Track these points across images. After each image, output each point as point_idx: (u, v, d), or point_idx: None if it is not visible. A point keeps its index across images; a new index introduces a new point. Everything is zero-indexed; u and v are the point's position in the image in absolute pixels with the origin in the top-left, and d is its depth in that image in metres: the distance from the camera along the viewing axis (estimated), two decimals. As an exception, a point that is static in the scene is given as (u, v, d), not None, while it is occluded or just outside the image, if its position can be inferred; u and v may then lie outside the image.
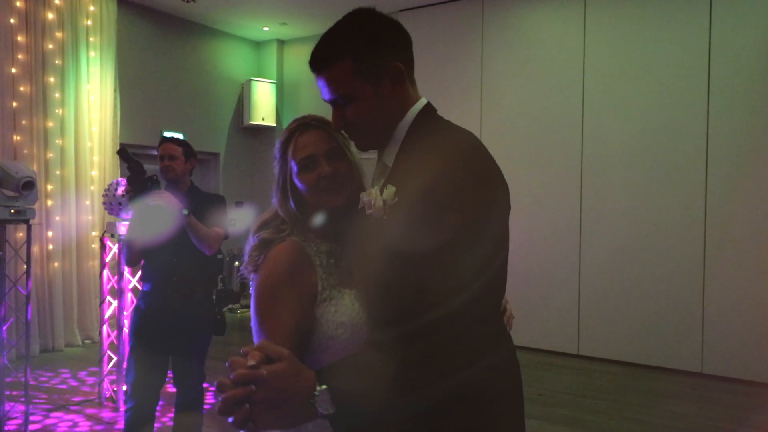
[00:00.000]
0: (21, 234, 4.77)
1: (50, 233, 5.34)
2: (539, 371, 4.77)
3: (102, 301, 4.18)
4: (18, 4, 5.13)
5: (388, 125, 1.13)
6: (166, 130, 6.39)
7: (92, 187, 5.68)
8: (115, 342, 3.97)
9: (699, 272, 4.70)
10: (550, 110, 5.37)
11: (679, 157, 4.80)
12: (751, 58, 4.54)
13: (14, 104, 5.13)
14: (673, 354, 4.77)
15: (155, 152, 2.87)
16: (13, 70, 5.12)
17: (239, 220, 6.14)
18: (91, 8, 5.69)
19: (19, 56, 5.16)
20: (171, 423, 3.00)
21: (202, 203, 2.72)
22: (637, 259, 4.95)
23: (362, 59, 1.08)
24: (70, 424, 3.60)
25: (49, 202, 5.33)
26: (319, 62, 1.12)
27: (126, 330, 3.67)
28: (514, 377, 1.11)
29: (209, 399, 4.00)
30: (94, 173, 5.72)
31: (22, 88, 5.17)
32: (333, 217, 1.22)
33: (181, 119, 6.69)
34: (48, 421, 3.63)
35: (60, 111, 5.43)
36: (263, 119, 7.28)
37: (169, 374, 2.78)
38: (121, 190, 3.87)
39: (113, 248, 4.19)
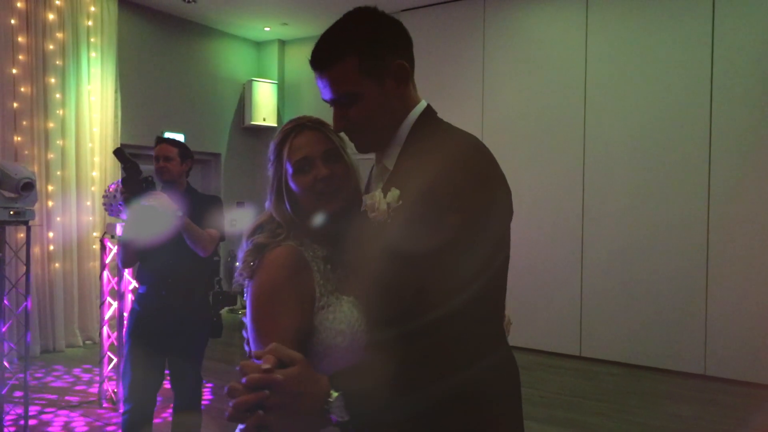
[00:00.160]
0: (21, 235, 4.76)
1: (51, 234, 5.33)
2: (541, 373, 4.75)
3: (102, 303, 4.17)
4: (19, 4, 5.13)
5: (390, 126, 1.12)
6: (167, 130, 6.39)
7: (93, 188, 5.67)
8: (115, 343, 3.96)
9: (702, 273, 4.67)
10: (551, 110, 5.35)
11: (681, 157, 4.77)
12: (754, 56, 4.52)
13: (15, 105, 5.13)
14: (675, 355, 4.74)
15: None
16: (14, 71, 5.12)
17: (240, 220, 6.14)
18: (92, 9, 5.69)
19: (20, 57, 5.15)
20: (161, 422, 3.00)
21: (198, 204, 2.71)
22: (639, 259, 4.92)
23: (367, 57, 1.07)
24: (69, 425, 3.59)
25: (50, 203, 5.33)
26: (321, 60, 1.10)
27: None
28: (514, 377, 1.10)
29: (207, 399, 3.99)
30: (95, 174, 5.71)
31: (22, 89, 5.17)
32: (329, 221, 1.19)
33: (182, 120, 6.69)
34: (47, 422, 3.62)
35: (61, 112, 5.42)
36: (264, 120, 7.27)
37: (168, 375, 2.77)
38: (113, 188, 3.87)
39: (113, 249, 4.18)
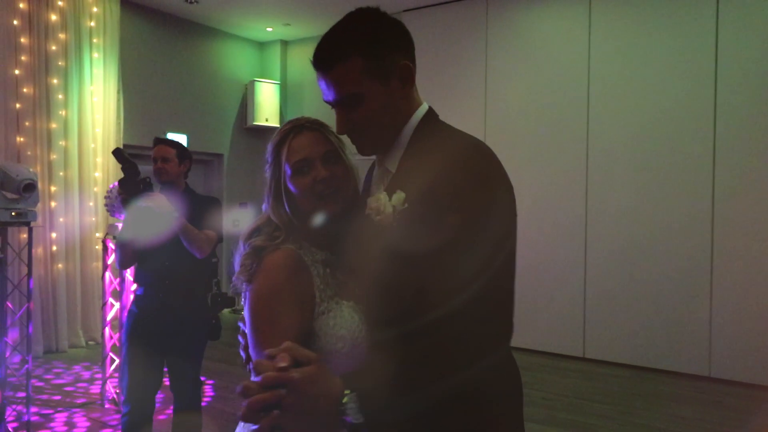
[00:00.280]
0: (24, 235, 4.76)
1: (54, 234, 5.34)
2: (544, 374, 4.72)
3: (104, 303, 4.17)
4: (21, 5, 5.13)
5: (394, 127, 1.11)
6: (170, 131, 6.39)
7: (95, 189, 5.68)
8: (117, 344, 3.96)
9: (706, 273, 4.64)
10: (554, 110, 5.33)
11: (685, 156, 4.75)
12: (758, 55, 4.48)
13: (17, 106, 5.13)
14: (679, 357, 4.71)
15: (155, 154, 2.84)
16: (17, 72, 5.12)
17: (243, 221, 6.14)
18: (94, 9, 5.69)
19: (23, 58, 5.16)
20: (165, 418, 2.98)
21: (196, 205, 2.69)
22: (643, 260, 4.90)
23: (371, 57, 1.06)
24: (72, 425, 3.59)
25: (53, 204, 5.33)
26: (325, 61, 1.08)
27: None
28: (514, 377, 1.10)
29: (210, 395, 3.99)
30: (98, 175, 5.72)
31: (25, 90, 5.17)
32: (328, 223, 1.17)
33: (185, 120, 6.69)
34: (50, 423, 3.62)
35: (63, 112, 5.43)
36: (267, 120, 7.27)
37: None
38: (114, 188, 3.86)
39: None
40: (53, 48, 5.35)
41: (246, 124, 7.38)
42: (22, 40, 5.15)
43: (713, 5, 4.64)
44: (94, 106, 5.67)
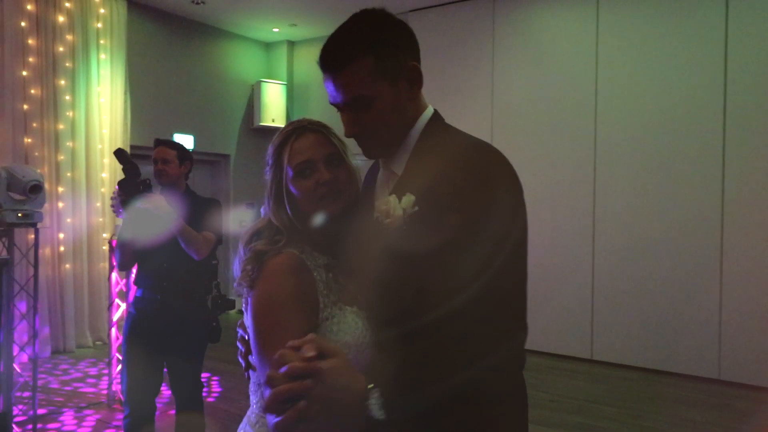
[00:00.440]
0: (32, 236, 4.79)
1: (61, 235, 5.36)
2: (551, 376, 4.69)
3: (110, 304, 4.18)
4: (29, 7, 5.16)
5: (402, 129, 1.11)
6: (176, 132, 6.41)
7: (102, 190, 5.70)
8: (124, 345, 3.97)
9: (716, 274, 4.59)
10: (562, 109, 5.29)
11: (694, 156, 4.70)
12: (769, 55, 4.43)
13: (25, 107, 5.16)
14: (689, 359, 4.66)
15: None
16: (24, 73, 5.15)
17: (250, 221, 6.14)
18: (102, 11, 5.71)
19: (30, 59, 5.18)
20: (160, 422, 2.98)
21: (196, 207, 2.68)
22: (651, 260, 4.85)
23: (381, 58, 1.05)
24: (78, 425, 3.60)
25: (60, 204, 5.35)
26: (333, 62, 1.06)
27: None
28: (516, 378, 1.07)
29: (216, 392, 3.99)
30: (105, 175, 5.74)
31: (32, 91, 5.20)
32: (330, 227, 1.15)
33: (191, 121, 6.70)
34: (56, 423, 3.63)
35: (71, 113, 5.45)
36: (273, 120, 7.27)
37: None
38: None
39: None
40: (60, 49, 5.37)
41: (252, 125, 7.39)
42: (30, 41, 5.18)
43: (722, 5, 4.59)
44: (101, 107, 5.69)
